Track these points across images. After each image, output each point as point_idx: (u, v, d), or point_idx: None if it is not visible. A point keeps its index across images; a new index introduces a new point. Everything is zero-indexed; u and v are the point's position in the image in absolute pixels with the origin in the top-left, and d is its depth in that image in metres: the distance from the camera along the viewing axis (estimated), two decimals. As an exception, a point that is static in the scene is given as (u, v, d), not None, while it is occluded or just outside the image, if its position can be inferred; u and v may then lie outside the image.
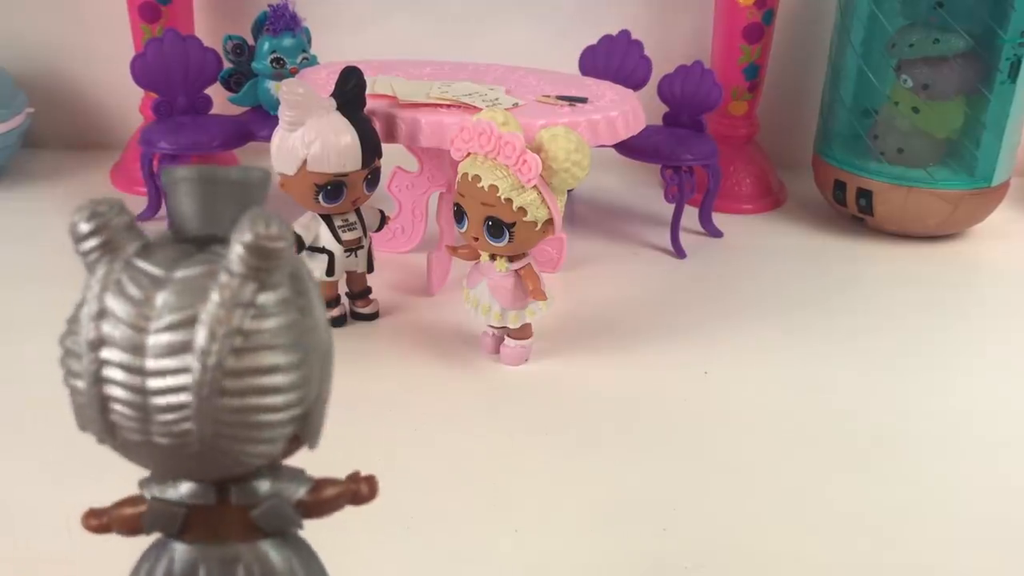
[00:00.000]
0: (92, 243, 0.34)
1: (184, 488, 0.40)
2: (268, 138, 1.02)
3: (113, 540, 0.69)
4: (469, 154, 0.92)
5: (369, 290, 1.11)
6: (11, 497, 0.75)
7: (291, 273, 0.36)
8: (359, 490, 0.43)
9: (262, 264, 0.34)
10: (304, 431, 0.38)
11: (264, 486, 0.40)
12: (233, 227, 0.34)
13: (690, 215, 1.41)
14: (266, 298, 0.35)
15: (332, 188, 0.98)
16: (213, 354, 0.33)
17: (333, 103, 0.99)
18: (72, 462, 0.79)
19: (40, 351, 1.02)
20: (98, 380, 0.34)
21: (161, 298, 0.34)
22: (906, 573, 0.72)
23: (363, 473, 0.43)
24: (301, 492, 0.41)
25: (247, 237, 0.33)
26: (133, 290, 0.34)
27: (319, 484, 0.42)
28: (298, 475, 0.42)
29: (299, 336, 0.36)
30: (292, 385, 0.36)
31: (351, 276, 1.08)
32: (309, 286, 0.38)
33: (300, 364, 0.36)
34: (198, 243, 0.36)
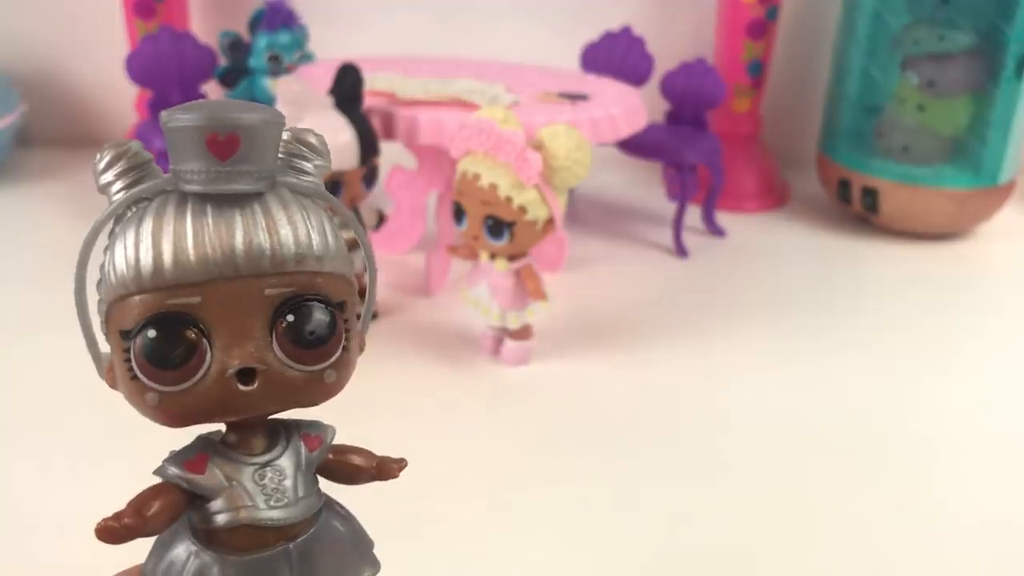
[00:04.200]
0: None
1: None
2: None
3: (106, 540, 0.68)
4: (468, 152, 0.91)
5: (367, 290, 1.09)
6: (9, 498, 0.74)
7: (104, 214, 0.35)
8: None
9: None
10: None
11: None
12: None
13: (692, 214, 1.39)
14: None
15: (329, 186, 0.97)
16: None
17: (330, 100, 0.97)
18: (70, 463, 0.78)
19: (36, 351, 1.02)
20: None
21: None
22: (911, 573, 0.71)
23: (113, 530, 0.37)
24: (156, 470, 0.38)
25: None
26: None
27: (152, 485, 0.37)
28: (178, 461, 0.37)
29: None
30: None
31: (349, 276, 1.06)
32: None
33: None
34: None
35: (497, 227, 0.89)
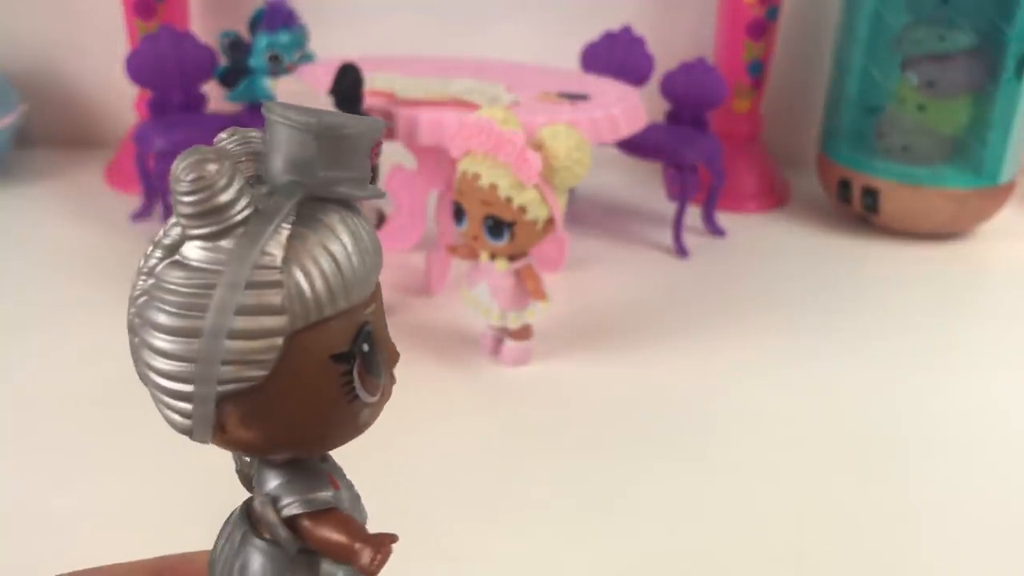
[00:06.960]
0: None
1: None
2: (264, 136, 1.00)
3: (108, 541, 0.68)
4: (468, 152, 0.90)
5: (367, 290, 1.09)
6: (9, 497, 0.74)
7: (247, 238, 0.29)
8: (359, 555, 0.34)
9: (180, 207, 0.29)
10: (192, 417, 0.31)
11: (272, 480, 0.37)
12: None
13: (692, 214, 1.39)
14: (188, 248, 0.29)
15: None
16: (134, 288, 0.31)
17: (330, 100, 0.97)
18: (70, 462, 0.78)
19: (36, 350, 1.02)
20: None
21: None
22: (911, 572, 0.71)
23: (388, 541, 0.35)
24: (298, 510, 0.33)
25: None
26: None
27: (325, 517, 0.33)
28: (318, 487, 0.34)
29: (194, 305, 0.29)
30: (174, 354, 0.30)
31: (349, 276, 1.06)
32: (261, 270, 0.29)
33: (188, 334, 0.30)
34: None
35: (497, 227, 0.89)
